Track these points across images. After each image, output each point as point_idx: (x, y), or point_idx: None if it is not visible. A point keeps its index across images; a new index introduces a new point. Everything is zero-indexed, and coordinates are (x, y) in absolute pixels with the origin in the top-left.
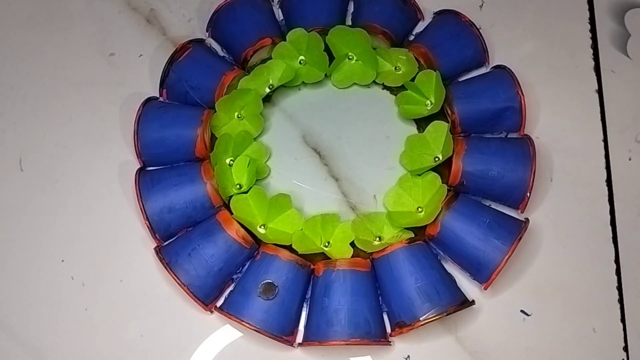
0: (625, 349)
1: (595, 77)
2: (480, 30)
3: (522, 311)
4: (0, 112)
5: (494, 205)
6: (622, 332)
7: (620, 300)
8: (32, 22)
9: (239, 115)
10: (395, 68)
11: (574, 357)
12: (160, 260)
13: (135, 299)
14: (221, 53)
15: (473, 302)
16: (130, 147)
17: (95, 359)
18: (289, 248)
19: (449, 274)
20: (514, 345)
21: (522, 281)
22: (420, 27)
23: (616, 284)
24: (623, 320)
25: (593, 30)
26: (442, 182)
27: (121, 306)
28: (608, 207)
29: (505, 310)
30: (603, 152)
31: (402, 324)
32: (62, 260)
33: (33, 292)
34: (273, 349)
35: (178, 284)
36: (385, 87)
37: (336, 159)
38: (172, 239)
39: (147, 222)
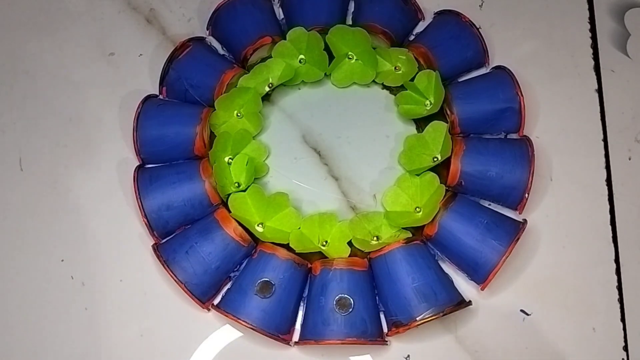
0: (625, 348)
1: (595, 77)
2: (480, 30)
3: (522, 311)
4: (0, 112)
5: (492, 206)
6: (622, 332)
7: (620, 300)
8: (32, 22)
9: (239, 114)
10: (395, 68)
11: (574, 357)
12: (158, 258)
13: (134, 298)
14: (221, 51)
15: (470, 302)
16: (129, 145)
17: (95, 359)
18: (286, 247)
19: (446, 274)
20: (513, 344)
21: (522, 281)
22: (420, 27)
23: (616, 284)
24: (623, 320)
25: (593, 30)
26: (441, 182)
27: (121, 306)
28: (608, 207)
29: (505, 310)
30: (603, 152)
31: (399, 324)
32: (62, 260)
33: (33, 291)
34: (270, 348)
35: (175, 281)
36: (384, 87)
37: (336, 158)
38: (170, 236)
39: (145, 220)
